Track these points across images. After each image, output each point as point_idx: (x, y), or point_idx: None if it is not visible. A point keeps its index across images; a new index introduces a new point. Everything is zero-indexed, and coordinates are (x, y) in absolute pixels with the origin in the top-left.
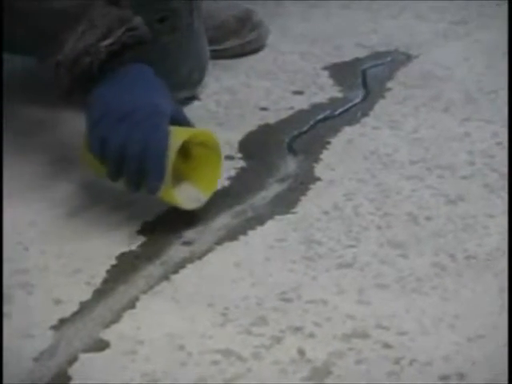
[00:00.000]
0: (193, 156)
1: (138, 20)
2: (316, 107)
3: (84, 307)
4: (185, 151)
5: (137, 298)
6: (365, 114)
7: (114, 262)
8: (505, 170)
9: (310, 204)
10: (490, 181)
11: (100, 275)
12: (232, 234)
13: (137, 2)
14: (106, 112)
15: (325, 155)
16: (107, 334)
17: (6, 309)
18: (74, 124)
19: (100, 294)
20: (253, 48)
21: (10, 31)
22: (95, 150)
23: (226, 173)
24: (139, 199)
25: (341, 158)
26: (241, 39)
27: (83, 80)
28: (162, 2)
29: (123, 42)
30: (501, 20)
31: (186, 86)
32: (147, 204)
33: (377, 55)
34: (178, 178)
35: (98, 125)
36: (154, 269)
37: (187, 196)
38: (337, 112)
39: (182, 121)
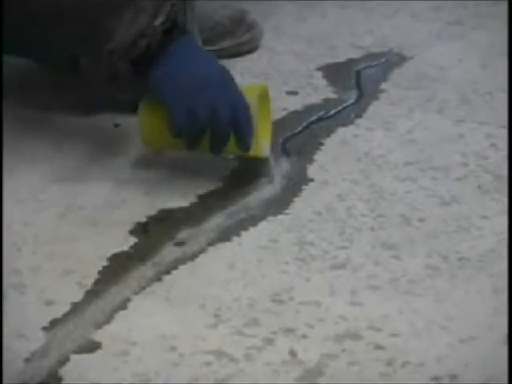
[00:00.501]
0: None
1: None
2: (310, 108)
3: (76, 308)
4: None
5: (129, 299)
6: (358, 115)
7: (105, 262)
8: (499, 171)
9: (303, 205)
10: (484, 182)
11: (92, 276)
12: (225, 235)
13: None
14: (180, 87)
15: (318, 156)
16: (99, 335)
17: None
18: (65, 124)
19: (92, 294)
20: (247, 48)
21: (54, 30)
22: (182, 123)
23: (219, 174)
24: (131, 199)
25: (334, 159)
26: (235, 40)
27: (142, 63)
28: None
29: (173, 19)
30: (497, 20)
31: None
32: (139, 204)
33: (371, 56)
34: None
35: (179, 100)
36: (146, 270)
37: (265, 147)
38: (330, 113)
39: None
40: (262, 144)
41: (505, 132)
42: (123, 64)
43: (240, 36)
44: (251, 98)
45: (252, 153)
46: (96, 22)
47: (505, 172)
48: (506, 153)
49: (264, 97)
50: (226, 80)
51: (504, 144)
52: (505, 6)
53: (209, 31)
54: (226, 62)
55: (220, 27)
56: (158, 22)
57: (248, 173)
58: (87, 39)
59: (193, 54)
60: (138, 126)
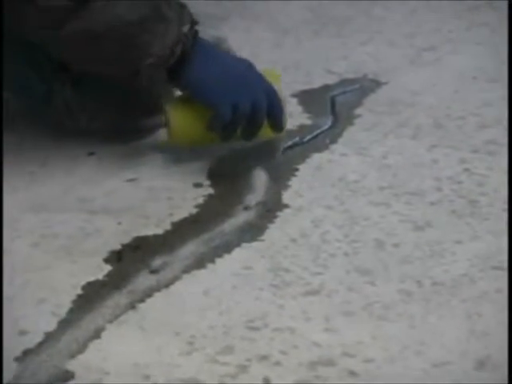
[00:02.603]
0: None
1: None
2: (285, 134)
3: (49, 338)
4: None
5: (102, 328)
6: (333, 141)
7: (79, 291)
8: (472, 196)
9: (278, 231)
10: (458, 207)
11: (66, 305)
12: (199, 262)
13: None
14: (220, 83)
15: (293, 182)
16: (72, 365)
17: None
18: (41, 153)
19: (65, 324)
20: None
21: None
22: (227, 118)
23: (193, 200)
24: (106, 228)
25: (309, 185)
26: None
27: (178, 69)
28: None
29: (195, 22)
30: (469, 46)
31: (154, 112)
32: (114, 233)
33: (346, 82)
34: None
35: (222, 96)
36: (120, 298)
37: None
38: (305, 139)
39: None
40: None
41: (477, 156)
42: (160, 73)
43: None
44: (276, 84)
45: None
46: (130, 40)
47: (478, 196)
48: (479, 177)
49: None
50: (255, 72)
51: (477, 168)
52: (478, 32)
53: None
54: None
55: None
56: (185, 28)
57: (222, 199)
58: (122, 58)
59: (216, 54)
60: (167, 123)
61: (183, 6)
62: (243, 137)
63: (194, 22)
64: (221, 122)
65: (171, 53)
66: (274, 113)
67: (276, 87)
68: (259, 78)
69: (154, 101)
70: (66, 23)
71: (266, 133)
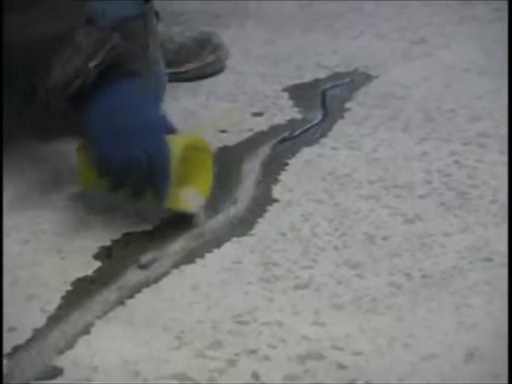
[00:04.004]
0: (187, 160)
1: (117, 37)
2: (275, 128)
3: (38, 334)
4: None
5: (91, 324)
6: (323, 135)
7: (69, 287)
8: (462, 188)
9: (268, 226)
10: (447, 199)
11: (55, 301)
12: (189, 257)
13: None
14: (104, 130)
15: (283, 176)
16: (61, 361)
17: None
18: (30, 150)
19: (54, 320)
20: (212, 70)
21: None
22: (100, 167)
23: None
24: (95, 224)
25: (299, 179)
26: (200, 61)
27: (76, 102)
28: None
29: (108, 62)
30: (460, 39)
31: None
32: (103, 229)
33: (337, 76)
34: (178, 183)
35: (100, 143)
36: (109, 294)
37: (190, 200)
38: (296, 133)
39: (172, 128)
40: (186, 197)
41: (468, 149)
42: (58, 101)
43: (204, 58)
44: (174, 150)
45: (170, 204)
46: (38, 56)
47: (467, 189)
48: (469, 169)
49: (201, 149)
50: (151, 129)
51: (467, 161)
52: (469, 26)
53: (174, 53)
54: (191, 84)
55: (185, 49)
56: (92, 64)
57: (212, 194)
58: (33, 72)
59: (125, 99)
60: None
61: (104, 45)
62: (130, 193)
63: (113, 60)
64: (96, 168)
65: (67, 83)
66: (153, 179)
67: (177, 155)
68: (152, 138)
69: None
70: None
71: (174, 201)
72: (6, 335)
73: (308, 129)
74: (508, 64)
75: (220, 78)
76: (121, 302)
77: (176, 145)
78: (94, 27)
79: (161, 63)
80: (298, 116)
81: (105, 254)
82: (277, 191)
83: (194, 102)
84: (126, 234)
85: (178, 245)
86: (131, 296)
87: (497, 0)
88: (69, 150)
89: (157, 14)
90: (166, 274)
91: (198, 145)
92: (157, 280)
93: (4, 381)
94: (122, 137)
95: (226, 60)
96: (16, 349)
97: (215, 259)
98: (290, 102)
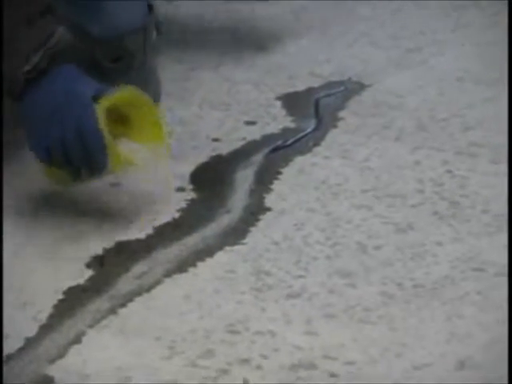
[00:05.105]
0: (130, 119)
1: (59, 32)
2: (268, 137)
3: (30, 343)
4: (122, 118)
5: (83, 333)
6: (316, 144)
7: (61, 296)
8: (454, 197)
9: (260, 235)
10: (440, 209)
11: (47, 310)
12: (181, 266)
13: (92, 42)
14: (33, 120)
15: (276, 185)
16: (53, 370)
17: None
18: (21, 156)
19: (46, 328)
20: None
21: None
22: (43, 158)
23: (176, 205)
24: (88, 232)
25: (292, 188)
26: None
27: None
28: (118, 43)
29: (44, 65)
30: (455, 46)
31: None
32: (96, 237)
33: (330, 85)
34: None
35: (33, 134)
36: (101, 303)
37: (131, 154)
38: (288, 142)
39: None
40: (125, 153)
41: (460, 158)
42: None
43: None
44: (100, 114)
45: (112, 167)
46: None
47: (459, 198)
48: (461, 179)
49: (139, 105)
50: (74, 102)
51: (459, 170)
52: (463, 33)
53: None
54: (184, 93)
55: None
56: (24, 69)
57: (205, 204)
58: None
59: (50, 83)
60: None
61: (45, 42)
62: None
63: (40, 67)
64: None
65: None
66: (89, 149)
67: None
68: (72, 114)
69: None
70: None
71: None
72: None
73: (301, 138)
74: (508, 72)
75: (213, 86)
76: (113, 310)
77: (101, 107)
78: (42, 20)
79: (157, 75)
80: (291, 125)
81: (97, 262)
82: (269, 200)
83: (187, 111)
84: (119, 243)
85: (170, 253)
86: (123, 305)
87: (493, 3)
88: None
89: (158, 28)
90: (158, 282)
91: (134, 101)
92: (149, 289)
93: None
94: (47, 121)
95: None
96: (8, 357)
97: (207, 268)
98: (283, 111)
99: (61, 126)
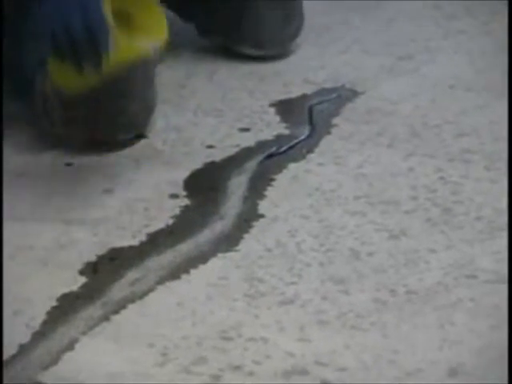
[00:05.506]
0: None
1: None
2: (262, 144)
3: (23, 349)
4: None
5: (76, 340)
6: (310, 151)
7: (54, 303)
8: (447, 204)
9: (253, 241)
10: (433, 215)
11: (40, 317)
12: (174, 273)
13: None
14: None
15: (269, 192)
16: (45, 377)
17: None
18: (17, 163)
19: (39, 336)
20: None
21: None
22: (48, 46)
23: (170, 212)
24: (81, 239)
25: (285, 195)
26: None
27: None
28: None
29: None
30: (447, 54)
31: (133, 126)
32: (89, 244)
33: (324, 91)
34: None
35: (38, 25)
36: (94, 309)
37: (141, 45)
38: (282, 149)
39: None
40: (134, 44)
41: (453, 165)
42: None
43: None
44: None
45: (118, 57)
46: None
47: (452, 205)
48: (454, 185)
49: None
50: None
51: (452, 177)
52: (455, 41)
53: None
54: (179, 99)
55: None
56: None
57: (199, 210)
58: None
59: None
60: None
61: None
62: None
63: None
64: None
65: None
66: (93, 34)
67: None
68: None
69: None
70: None
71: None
72: None
73: (295, 144)
74: (508, 76)
75: (207, 92)
76: (106, 317)
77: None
78: None
79: (153, 82)
80: (285, 131)
81: (90, 269)
82: (263, 207)
83: (180, 117)
84: (112, 249)
85: (163, 260)
86: (116, 312)
87: (485, 12)
88: (57, 164)
89: None
90: (151, 289)
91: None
92: (142, 296)
93: None
94: (51, 14)
95: None
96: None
97: (201, 275)
98: (277, 118)
99: (66, 10)
